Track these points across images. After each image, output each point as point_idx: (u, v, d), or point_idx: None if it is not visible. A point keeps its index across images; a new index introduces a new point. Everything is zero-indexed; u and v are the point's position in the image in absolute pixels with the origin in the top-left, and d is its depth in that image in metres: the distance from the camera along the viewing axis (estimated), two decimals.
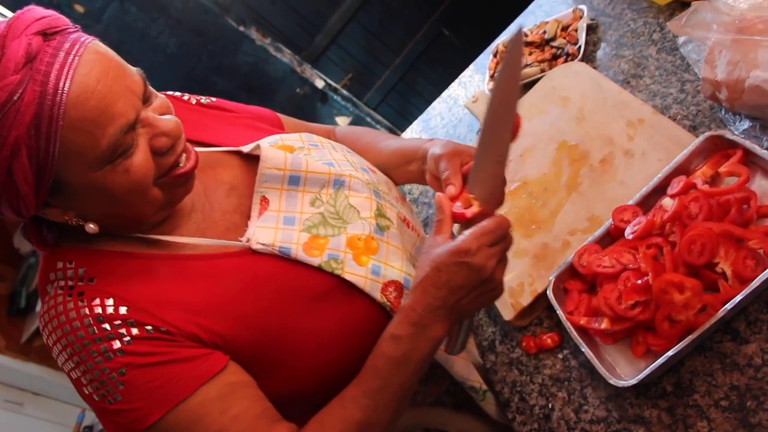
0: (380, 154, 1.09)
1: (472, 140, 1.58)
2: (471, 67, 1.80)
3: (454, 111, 1.73)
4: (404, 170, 1.04)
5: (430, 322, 0.77)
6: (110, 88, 0.65)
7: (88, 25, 2.55)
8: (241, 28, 2.81)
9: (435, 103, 1.84)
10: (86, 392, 0.73)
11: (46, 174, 0.64)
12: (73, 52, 0.64)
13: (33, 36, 0.62)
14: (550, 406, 1.00)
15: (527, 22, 1.67)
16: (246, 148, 0.90)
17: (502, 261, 0.79)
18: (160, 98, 0.75)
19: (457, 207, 0.82)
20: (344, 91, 3.19)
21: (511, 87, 0.78)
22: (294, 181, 0.87)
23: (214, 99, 1.02)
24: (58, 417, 2.96)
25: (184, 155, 0.76)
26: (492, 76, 1.59)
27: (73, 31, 0.67)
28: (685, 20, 0.97)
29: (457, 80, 1.82)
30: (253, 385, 0.78)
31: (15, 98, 0.60)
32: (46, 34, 0.64)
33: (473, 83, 1.75)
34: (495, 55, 1.64)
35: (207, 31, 2.78)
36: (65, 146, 0.63)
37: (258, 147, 0.88)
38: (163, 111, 0.74)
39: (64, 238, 0.79)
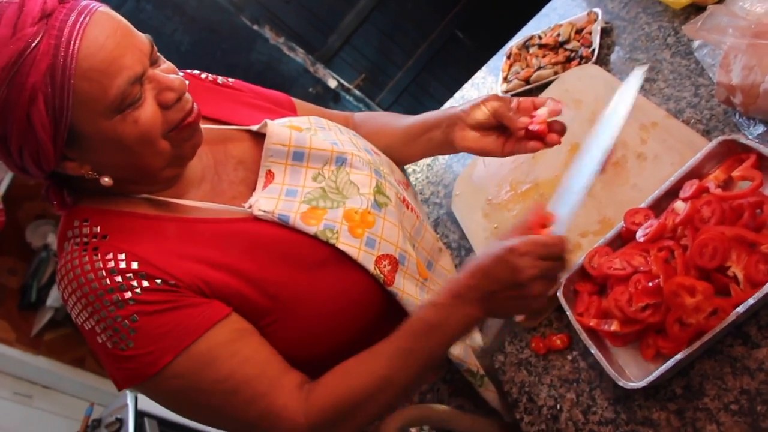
0: (397, 128, 1.12)
1: None
2: (484, 68, 1.80)
3: None
4: (426, 138, 1.08)
5: (468, 299, 0.81)
6: (118, 44, 0.71)
7: None
8: (255, 27, 2.83)
9: (447, 104, 1.84)
10: (99, 341, 0.77)
11: (61, 122, 0.70)
12: (85, 13, 0.70)
13: None
14: (558, 407, 1.00)
15: (541, 24, 1.68)
16: (255, 127, 0.95)
17: (546, 278, 0.79)
18: (167, 63, 0.81)
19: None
20: (357, 92, 3.20)
21: (621, 124, 0.87)
22: (298, 156, 0.92)
23: (230, 80, 1.07)
24: (66, 410, 2.99)
25: (194, 109, 0.82)
26: (505, 79, 1.59)
27: None
28: (701, 24, 0.97)
29: (470, 81, 1.82)
30: (258, 333, 0.83)
31: (32, 47, 0.66)
32: None
33: (486, 85, 1.75)
34: (508, 57, 1.65)
35: (221, 29, 2.80)
36: (78, 95, 0.69)
37: (265, 124, 0.93)
38: (170, 72, 0.79)
39: (81, 199, 0.84)
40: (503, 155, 0.99)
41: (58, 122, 0.70)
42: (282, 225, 0.86)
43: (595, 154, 0.86)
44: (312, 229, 0.86)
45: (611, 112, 0.87)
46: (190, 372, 0.77)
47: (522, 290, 0.78)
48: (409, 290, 0.91)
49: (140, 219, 0.83)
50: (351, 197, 0.91)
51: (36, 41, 0.67)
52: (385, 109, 3.37)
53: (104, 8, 0.73)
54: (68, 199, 0.84)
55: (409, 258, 0.93)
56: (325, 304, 0.85)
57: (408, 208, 1.01)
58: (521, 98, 0.96)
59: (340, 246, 0.86)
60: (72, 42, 0.68)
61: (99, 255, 0.77)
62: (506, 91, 1.56)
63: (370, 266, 0.87)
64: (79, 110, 0.70)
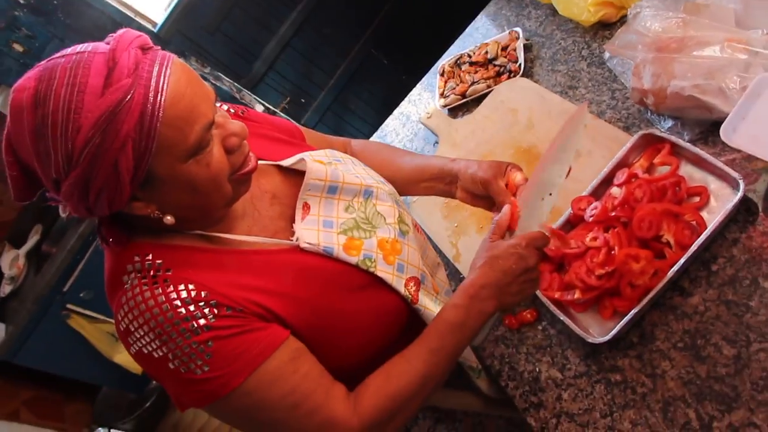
0: (401, 169, 1.23)
1: (428, 152, 1.76)
2: (418, 86, 1.99)
3: (408, 126, 1.91)
4: (425, 186, 1.19)
5: (483, 297, 0.93)
6: (195, 93, 0.77)
7: (27, 63, 2.55)
8: (181, 60, 2.88)
9: (388, 120, 2.01)
10: (171, 367, 0.82)
11: (141, 167, 0.75)
12: (165, 64, 0.76)
13: (136, 49, 0.75)
14: (537, 370, 1.18)
15: (466, 43, 1.88)
16: (286, 162, 1.03)
17: (539, 263, 0.96)
18: (221, 110, 0.87)
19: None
20: (283, 114, 3.32)
21: (571, 145, 0.99)
22: (332, 190, 1.01)
23: (241, 109, 1.12)
24: None
25: (250, 153, 0.89)
26: (442, 94, 1.78)
27: (158, 48, 0.79)
28: (618, 42, 1.19)
29: (406, 98, 2.00)
30: (309, 351, 0.91)
31: (128, 98, 0.71)
32: (144, 49, 0.76)
33: (422, 101, 1.93)
34: (442, 75, 1.84)
35: None
36: (161, 141, 0.74)
37: (302, 161, 1.01)
38: (226, 118, 0.86)
39: (134, 235, 0.89)
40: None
41: (138, 167, 0.74)
42: (326, 255, 0.95)
43: (558, 169, 0.99)
44: (354, 260, 0.96)
45: (567, 136, 1.00)
46: (259, 390, 0.83)
47: (532, 273, 0.95)
48: (429, 306, 1.04)
49: (198, 252, 0.88)
50: (380, 227, 1.02)
51: (132, 92, 0.71)
52: (311, 128, 3.49)
53: (177, 58, 0.79)
54: (123, 237, 0.87)
55: (427, 277, 1.07)
56: (364, 322, 0.96)
57: (418, 231, 1.15)
58: (511, 168, 1.05)
59: (379, 273, 0.97)
60: (160, 92, 0.72)
61: (171, 287, 0.82)
62: (444, 106, 1.74)
63: (401, 289, 0.99)
64: (160, 155, 0.75)
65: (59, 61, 0.74)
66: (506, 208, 1.00)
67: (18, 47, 2.51)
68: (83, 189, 0.75)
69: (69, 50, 0.75)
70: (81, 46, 0.76)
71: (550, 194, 0.99)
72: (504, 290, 0.94)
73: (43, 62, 0.75)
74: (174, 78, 0.75)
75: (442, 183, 1.16)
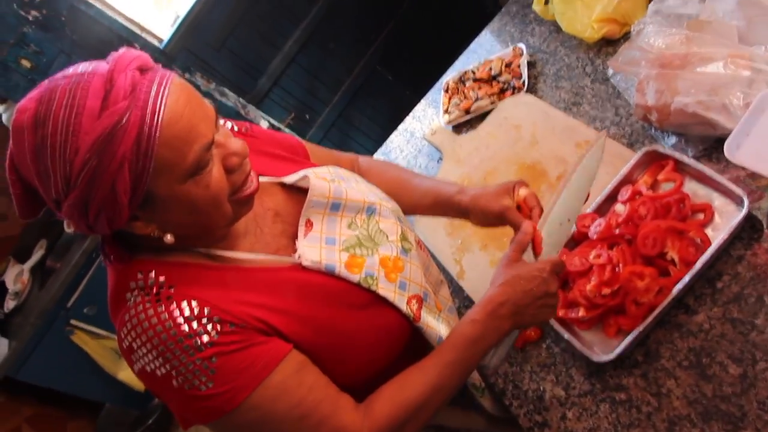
0: (414, 191, 1.23)
1: (432, 169, 1.76)
2: (422, 102, 1.99)
3: (413, 143, 1.91)
4: (438, 211, 1.21)
5: (501, 314, 0.94)
6: (194, 113, 0.77)
7: (34, 79, 2.58)
8: (187, 76, 2.91)
9: (392, 136, 2.01)
10: (175, 385, 0.81)
11: (140, 187, 0.74)
12: (164, 84, 0.75)
13: (134, 70, 0.74)
14: (541, 388, 1.17)
15: (470, 59, 1.89)
16: (289, 179, 1.03)
17: (558, 289, 0.98)
18: (223, 128, 0.86)
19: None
20: (287, 130, 3.33)
21: (590, 173, 1.05)
22: (335, 207, 1.01)
23: (245, 125, 1.12)
24: None
25: (251, 173, 0.88)
26: (446, 111, 1.78)
27: (158, 68, 0.79)
28: (621, 59, 1.19)
29: (410, 115, 2.00)
30: (312, 364, 0.90)
31: (124, 120, 0.71)
32: (142, 70, 0.75)
33: (427, 117, 1.94)
34: (446, 91, 1.84)
35: None
36: (158, 161, 0.73)
37: (305, 179, 1.01)
38: (229, 137, 0.85)
39: (137, 252, 0.88)
40: None
41: (136, 187, 0.74)
42: (328, 273, 0.95)
43: (579, 196, 1.04)
44: (355, 278, 0.95)
45: (587, 166, 1.04)
46: (264, 404, 0.83)
47: (551, 299, 0.96)
48: (431, 324, 1.03)
49: (201, 269, 0.88)
50: (382, 244, 1.02)
51: (127, 114, 0.71)
52: (317, 143, 3.50)
53: (177, 78, 0.78)
54: (125, 254, 0.87)
55: (429, 295, 1.06)
56: (366, 340, 0.95)
57: (421, 248, 1.15)
58: (518, 188, 1.09)
59: (380, 292, 0.96)
60: (156, 113, 0.72)
61: (174, 304, 0.82)
62: (448, 122, 1.75)
63: (403, 307, 0.98)
64: (159, 175, 0.74)
65: (60, 82, 0.73)
66: (527, 226, 1.01)
67: (26, 63, 2.54)
68: (82, 209, 0.74)
69: (70, 70, 0.75)
70: (82, 66, 0.76)
71: (569, 220, 1.02)
72: (522, 311, 0.95)
73: (45, 82, 0.75)
74: (172, 98, 0.75)
75: (452, 212, 1.17)
